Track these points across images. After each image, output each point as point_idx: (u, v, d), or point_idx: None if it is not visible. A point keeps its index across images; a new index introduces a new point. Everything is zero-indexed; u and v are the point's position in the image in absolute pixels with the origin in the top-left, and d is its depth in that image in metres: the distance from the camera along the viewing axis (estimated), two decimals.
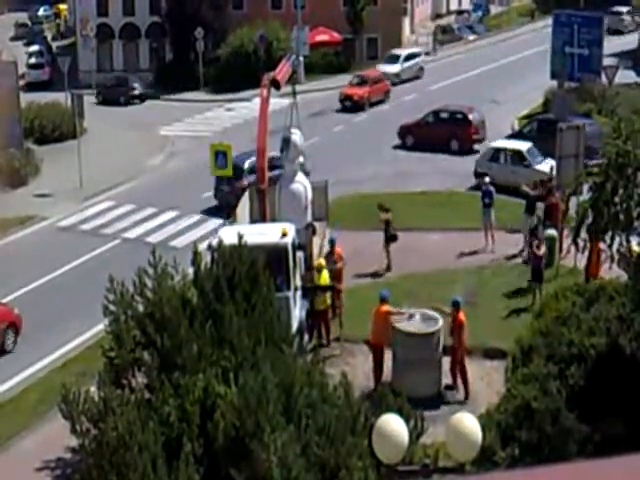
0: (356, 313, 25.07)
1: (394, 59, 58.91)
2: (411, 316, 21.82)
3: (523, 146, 36.14)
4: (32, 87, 59.27)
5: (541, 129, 37.70)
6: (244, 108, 52.65)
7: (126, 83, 57.01)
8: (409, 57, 59.82)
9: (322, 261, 24.60)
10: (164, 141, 47.20)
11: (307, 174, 26.65)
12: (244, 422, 13.65)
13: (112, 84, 56.98)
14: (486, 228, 29.54)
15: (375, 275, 27.78)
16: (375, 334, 21.98)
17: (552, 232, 27.54)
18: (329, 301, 24.19)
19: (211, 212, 34.23)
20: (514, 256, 28.79)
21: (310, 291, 24.31)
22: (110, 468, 13.82)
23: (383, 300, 21.96)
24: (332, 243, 25.24)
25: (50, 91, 55.44)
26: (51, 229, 34.97)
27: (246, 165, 33.68)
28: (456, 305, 21.45)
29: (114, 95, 55.97)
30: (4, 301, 26.58)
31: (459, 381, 21.58)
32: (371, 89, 51.89)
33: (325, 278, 24.18)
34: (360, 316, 24.37)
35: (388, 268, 28.17)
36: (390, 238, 28.06)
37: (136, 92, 56.69)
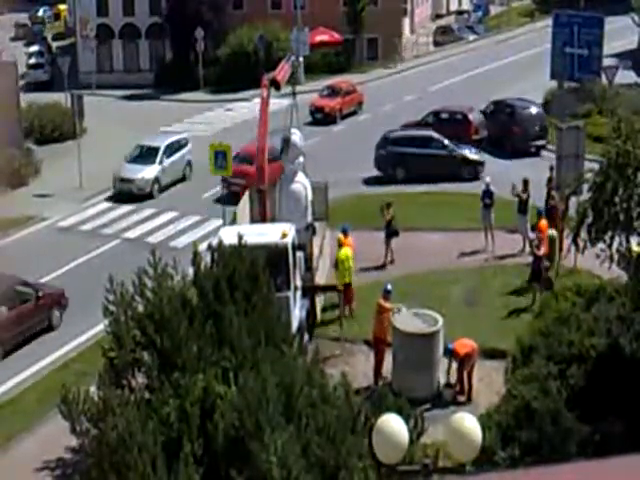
0: (357, 313, 25.09)
1: (148, 155, 38.78)
2: (398, 310, 21.90)
3: None
4: (32, 87, 59.28)
5: (496, 110, 42.81)
6: (244, 108, 52.64)
7: None
8: (173, 148, 39.85)
9: (342, 236, 25.61)
10: None
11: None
12: (244, 422, 13.64)
13: None
14: (486, 228, 29.59)
15: (377, 269, 27.85)
16: (374, 327, 22.23)
17: (552, 232, 27.57)
18: (350, 277, 25.10)
19: (211, 212, 34.18)
20: (514, 256, 28.83)
21: (311, 291, 24.39)
22: (110, 468, 13.81)
23: (385, 294, 22.15)
24: (345, 231, 25.99)
25: (50, 91, 55.49)
26: (51, 229, 34.97)
27: (391, 136, 38.76)
28: (448, 352, 21.40)
29: None
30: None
31: (465, 385, 21.54)
32: (343, 100, 49.61)
33: (347, 253, 25.00)
34: (361, 316, 24.40)
35: (390, 262, 28.54)
36: (391, 234, 28.35)
37: None
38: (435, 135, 38.51)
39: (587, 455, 14.80)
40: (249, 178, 31.43)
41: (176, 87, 58.30)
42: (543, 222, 26.73)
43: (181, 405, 14.29)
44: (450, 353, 21.29)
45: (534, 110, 42.00)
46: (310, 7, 61.05)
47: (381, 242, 28.56)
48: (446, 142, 38.09)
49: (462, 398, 21.28)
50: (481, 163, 37.86)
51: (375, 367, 21.95)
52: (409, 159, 37.25)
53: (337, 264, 25.28)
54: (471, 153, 38.35)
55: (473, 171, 37.47)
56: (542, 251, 25.50)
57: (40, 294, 25.94)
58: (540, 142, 41.02)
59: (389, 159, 37.68)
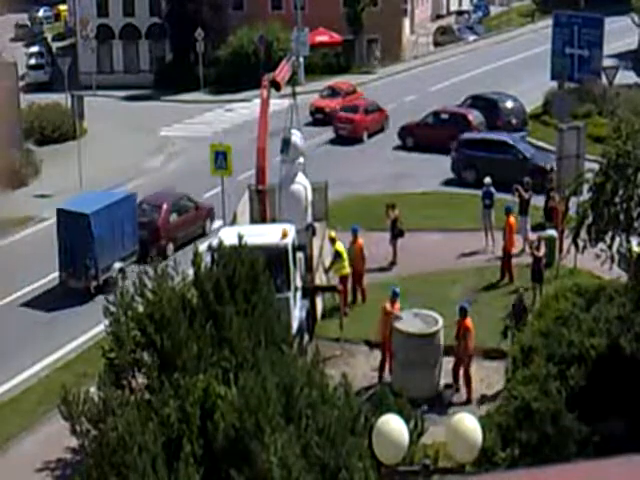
0: (357, 314, 25.10)
1: None
2: (397, 317, 21.81)
3: None
4: (32, 88, 59.29)
5: (474, 105, 43.82)
6: (244, 109, 52.64)
7: None
8: None
9: (333, 233, 26.03)
10: (164, 142, 47.19)
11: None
12: (244, 423, 13.64)
13: None
14: (486, 229, 29.59)
15: (379, 270, 27.84)
16: (378, 330, 22.27)
17: (552, 232, 27.60)
18: (348, 268, 25.46)
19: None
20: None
21: (311, 292, 24.39)
22: (110, 469, 13.82)
23: (393, 297, 22.12)
24: (355, 233, 26.23)
25: (50, 92, 55.50)
26: (51, 230, 34.87)
27: (465, 139, 38.27)
28: (463, 311, 21.42)
29: None
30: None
31: (460, 383, 21.56)
32: (344, 101, 48.78)
33: (340, 247, 25.37)
34: (361, 317, 24.40)
35: (393, 263, 28.53)
36: (397, 234, 28.38)
37: None
38: (510, 141, 37.74)
39: (587, 455, 14.80)
40: (354, 123, 44.19)
41: (176, 88, 58.24)
42: (512, 219, 27.28)
43: (181, 405, 14.29)
44: (461, 311, 21.43)
45: (511, 103, 44.04)
46: (310, 8, 60.99)
47: (382, 243, 28.55)
48: (520, 149, 36.93)
49: (460, 396, 21.31)
50: None
51: (380, 367, 22.01)
52: (480, 162, 36.56)
53: (335, 257, 25.40)
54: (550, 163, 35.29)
55: (543, 180, 32.81)
56: (542, 252, 25.49)
57: (198, 207, 33.01)
58: (521, 134, 41.66)
59: (461, 161, 37.48)
